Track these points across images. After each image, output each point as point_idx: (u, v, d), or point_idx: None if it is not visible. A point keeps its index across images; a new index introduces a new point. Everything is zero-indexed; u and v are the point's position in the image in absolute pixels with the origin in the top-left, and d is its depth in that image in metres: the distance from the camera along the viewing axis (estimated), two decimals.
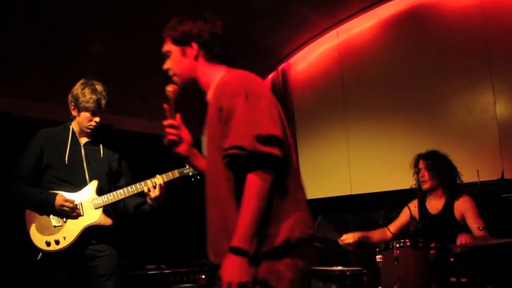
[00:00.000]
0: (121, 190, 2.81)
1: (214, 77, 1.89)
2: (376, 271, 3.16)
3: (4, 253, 3.63)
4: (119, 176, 2.96)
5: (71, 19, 3.74)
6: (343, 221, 4.70)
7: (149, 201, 2.77)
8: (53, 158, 2.79)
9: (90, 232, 2.74)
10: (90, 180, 2.81)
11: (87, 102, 2.79)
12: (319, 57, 5.12)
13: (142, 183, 2.78)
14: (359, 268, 3.40)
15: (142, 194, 2.82)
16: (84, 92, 2.80)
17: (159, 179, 2.74)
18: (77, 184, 2.78)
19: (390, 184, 4.32)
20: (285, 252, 1.67)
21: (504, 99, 3.91)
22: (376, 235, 3.62)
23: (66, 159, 2.79)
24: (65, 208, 2.69)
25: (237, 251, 1.59)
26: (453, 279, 2.96)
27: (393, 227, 3.64)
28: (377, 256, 3.14)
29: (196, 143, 1.98)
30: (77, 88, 2.84)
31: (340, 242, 3.57)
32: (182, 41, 1.91)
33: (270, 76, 5.37)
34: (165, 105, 1.89)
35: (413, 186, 3.62)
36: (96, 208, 2.77)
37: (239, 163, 1.65)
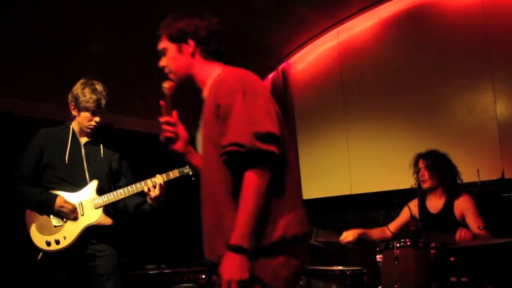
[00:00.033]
0: (121, 190, 2.81)
1: (211, 74, 1.88)
2: (376, 270, 3.16)
3: (4, 253, 3.64)
4: (119, 175, 2.96)
5: (71, 19, 3.74)
6: (343, 221, 4.69)
7: (149, 200, 2.77)
8: (53, 157, 2.79)
9: (91, 231, 2.74)
10: (90, 180, 2.81)
11: (87, 102, 2.79)
12: (319, 57, 5.12)
13: (142, 182, 2.78)
14: (359, 268, 3.40)
15: (142, 194, 2.82)
16: (84, 92, 2.80)
17: (159, 179, 2.74)
18: (77, 184, 2.78)
19: (390, 183, 4.32)
20: (280, 249, 1.67)
21: (504, 98, 3.91)
22: (376, 233, 3.62)
23: (66, 158, 2.79)
24: (63, 209, 2.68)
25: (236, 249, 1.59)
26: (453, 279, 2.96)
27: (393, 226, 3.65)
28: (377, 256, 3.14)
29: (191, 140, 1.97)
30: (77, 88, 2.83)
31: (340, 241, 3.56)
32: (178, 38, 1.90)
33: (270, 76, 5.37)
34: (161, 102, 1.88)
35: (413, 186, 3.62)
36: (96, 208, 2.77)
37: (238, 160, 1.65)
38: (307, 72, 5.21)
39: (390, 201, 4.31)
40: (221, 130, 1.70)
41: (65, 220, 2.72)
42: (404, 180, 3.73)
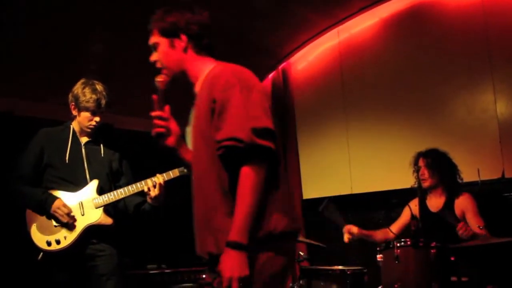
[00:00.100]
0: (121, 189, 2.81)
1: (203, 69, 1.87)
2: (377, 270, 3.16)
3: (4, 253, 3.63)
4: (120, 175, 2.96)
5: (71, 19, 3.74)
6: (339, 224, 4.69)
7: (149, 200, 2.77)
8: (53, 157, 2.79)
9: (91, 231, 2.73)
10: (91, 180, 2.81)
11: (87, 102, 2.79)
12: (319, 56, 5.12)
13: (143, 182, 2.78)
14: (359, 268, 3.40)
15: (142, 194, 2.81)
16: (85, 92, 2.80)
17: (159, 178, 2.73)
18: (78, 184, 2.78)
19: (391, 183, 4.33)
20: (268, 244, 1.66)
21: (505, 98, 3.92)
22: (379, 235, 3.60)
23: (67, 158, 2.79)
24: (58, 211, 2.66)
25: (235, 246, 1.58)
26: (453, 279, 2.96)
27: (395, 227, 3.64)
28: (378, 256, 3.14)
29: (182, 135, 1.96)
30: (78, 88, 2.83)
31: (344, 229, 3.53)
32: (170, 33, 1.88)
33: (270, 76, 5.37)
34: (153, 96, 1.87)
35: (413, 186, 3.62)
36: (96, 208, 2.77)
37: (234, 155, 1.64)
38: (307, 71, 5.21)
39: (390, 201, 4.33)
40: (215, 125, 1.69)
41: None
42: (404, 179, 3.73)
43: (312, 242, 3.81)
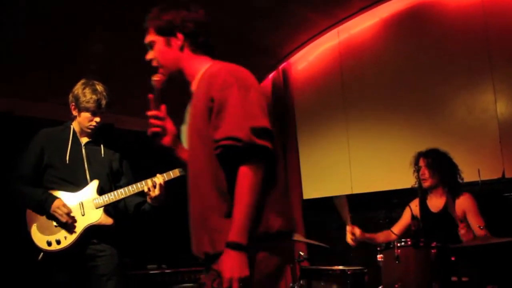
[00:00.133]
0: (121, 190, 2.81)
1: (200, 68, 1.87)
2: (377, 270, 3.15)
3: (5, 253, 3.63)
4: (120, 175, 2.96)
5: (71, 19, 3.74)
6: (344, 221, 4.69)
7: (149, 200, 2.77)
8: (53, 158, 2.79)
9: (91, 231, 2.73)
10: (91, 180, 2.81)
11: (87, 102, 2.79)
12: (319, 56, 5.12)
13: (143, 182, 2.77)
14: (360, 268, 3.39)
15: (142, 194, 2.81)
16: (85, 92, 2.80)
17: (159, 179, 2.73)
18: (78, 184, 2.78)
19: (391, 183, 4.32)
20: (263, 244, 1.65)
21: (505, 98, 3.91)
22: (381, 237, 3.58)
23: (67, 158, 2.79)
24: (57, 211, 2.66)
25: (235, 246, 1.58)
26: (454, 279, 2.96)
27: (397, 228, 3.63)
28: (378, 256, 3.14)
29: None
30: (78, 88, 2.83)
31: (347, 229, 3.53)
32: (166, 31, 1.87)
33: (270, 76, 5.37)
34: (149, 96, 1.86)
35: (414, 186, 3.62)
36: (97, 208, 2.77)
37: (232, 155, 1.63)
38: (307, 71, 5.21)
39: (390, 201, 4.32)
40: (213, 124, 1.68)
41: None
42: (405, 179, 3.73)
43: (315, 242, 3.81)
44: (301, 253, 3.64)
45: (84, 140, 2.90)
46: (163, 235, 4.64)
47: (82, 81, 2.87)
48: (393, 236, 3.55)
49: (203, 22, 1.89)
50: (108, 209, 2.82)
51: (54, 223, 2.71)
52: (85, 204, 2.76)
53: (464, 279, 2.97)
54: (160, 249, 4.58)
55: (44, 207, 2.68)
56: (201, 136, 1.74)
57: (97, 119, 2.84)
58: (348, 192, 4.73)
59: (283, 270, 1.76)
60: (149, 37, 1.92)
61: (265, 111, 1.70)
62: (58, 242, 2.67)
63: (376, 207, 4.48)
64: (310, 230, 4.80)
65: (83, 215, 2.74)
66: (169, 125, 1.91)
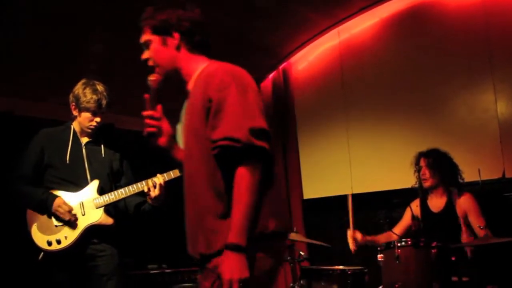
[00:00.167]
0: (122, 190, 2.81)
1: (196, 67, 1.85)
2: (378, 270, 3.15)
3: (5, 253, 3.63)
4: (120, 175, 2.96)
5: (71, 19, 3.74)
6: (344, 221, 4.69)
7: (149, 200, 2.76)
8: (54, 158, 2.79)
9: (92, 231, 2.73)
10: (92, 180, 2.81)
11: (88, 102, 2.78)
12: (319, 56, 5.11)
13: (143, 182, 2.77)
14: (360, 268, 3.39)
15: (142, 194, 2.81)
16: (85, 92, 2.80)
17: (159, 179, 2.72)
18: (79, 184, 2.78)
19: (391, 183, 4.32)
20: (258, 244, 1.64)
21: (505, 98, 3.91)
22: (382, 239, 3.57)
23: (68, 158, 2.79)
24: (59, 209, 2.67)
25: (234, 248, 1.57)
26: (454, 278, 2.96)
27: (398, 229, 3.63)
28: (379, 255, 3.14)
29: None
30: (78, 88, 2.83)
31: (348, 233, 3.53)
32: (162, 31, 1.85)
33: (271, 76, 5.37)
34: (145, 96, 1.85)
35: (414, 185, 3.62)
36: (97, 208, 2.77)
37: (230, 155, 1.62)
38: (307, 71, 5.20)
39: (391, 201, 4.32)
40: (211, 124, 1.67)
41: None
42: (405, 179, 3.73)
43: (316, 242, 3.81)
44: (301, 253, 3.64)
45: (84, 140, 2.90)
46: (163, 235, 4.64)
47: (83, 81, 2.86)
48: (394, 237, 3.54)
49: (199, 21, 1.88)
50: (109, 209, 2.82)
51: (55, 223, 2.71)
52: (86, 204, 2.75)
53: (464, 279, 2.97)
54: (161, 249, 4.58)
55: (45, 206, 2.68)
56: (197, 136, 1.74)
57: (98, 119, 2.84)
58: (349, 192, 4.71)
59: (278, 270, 1.76)
60: (145, 37, 1.90)
61: (263, 112, 1.70)
62: (59, 242, 2.67)
63: (377, 207, 4.48)
64: (310, 230, 4.79)
65: (83, 215, 2.74)
66: (165, 125, 1.90)
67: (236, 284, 1.55)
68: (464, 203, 3.34)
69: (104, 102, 2.82)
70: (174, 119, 1.97)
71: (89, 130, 2.86)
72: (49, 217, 2.72)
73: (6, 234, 3.56)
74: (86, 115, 2.82)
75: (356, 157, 4.73)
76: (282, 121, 5.20)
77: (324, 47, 5.07)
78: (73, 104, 2.85)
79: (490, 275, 3.19)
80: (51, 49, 3.90)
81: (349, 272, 3.32)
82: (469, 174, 3.48)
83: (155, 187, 2.68)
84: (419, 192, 3.58)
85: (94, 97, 2.79)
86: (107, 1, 3.72)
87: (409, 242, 2.98)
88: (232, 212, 1.61)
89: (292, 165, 5.12)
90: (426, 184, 3.47)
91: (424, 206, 3.54)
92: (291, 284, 3.56)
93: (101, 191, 2.81)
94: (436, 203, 3.48)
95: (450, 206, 3.38)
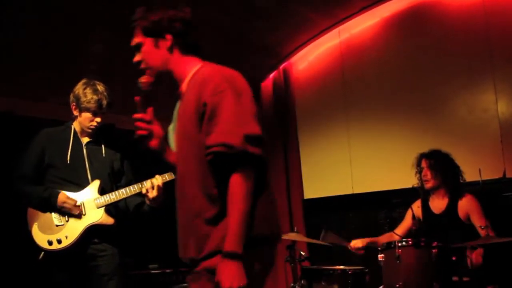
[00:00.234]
0: (123, 190, 2.81)
1: (189, 69, 1.83)
2: (378, 270, 3.15)
3: (5, 253, 3.63)
4: (121, 175, 2.96)
5: (71, 19, 3.74)
6: (345, 221, 4.69)
7: (147, 201, 2.75)
8: (55, 158, 2.79)
9: (92, 231, 2.73)
10: (92, 180, 2.81)
11: (88, 102, 2.78)
12: (320, 56, 5.11)
13: (144, 183, 2.76)
14: (361, 267, 3.39)
15: (142, 194, 2.80)
16: (86, 93, 2.79)
17: (158, 180, 2.69)
18: (80, 184, 2.78)
19: (392, 183, 4.32)
20: (250, 249, 1.62)
21: (506, 98, 3.91)
22: (384, 240, 3.57)
23: (68, 158, 2.79)
24: (66, 205, 2.69)
25: (231, 256, 1.57)
26: (455, 278, 2.96)
27: (400, 230, 3.63)
28: (379, 255, 3.14)
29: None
30: (79, 88, 2.83)
31: (350, 247, 3.55)
32: (154, 32, 1.82)
33: (271, 76, 5.36)
34: (136, 98, 1.83)
35: (415, 185, 3.61)
36: (98, 208, 2.77)
37: (224, 161, 1.61)
38: (308, 71, 5.20)
39: (391, 201, 4.32)
40: (206, 129, 1.66)
41: (67, 219, 2.72)
42: (406, 179, 3.72)
43: (317, 242, 3.81)
44: (302, 252, 3.64)
45: (85, 140, 2.89)
46: (164, 235, 4.63)
47: (83, 81, 2.86)
48: (396, 238, 3.54)
49: (190, 21, 1.85)
50: (109, 209, 2.82)
51: (56, 222, 2.71)
52: (86, 204, 2.75)
53: (465, 279, 2.97)
54: (161, 249, 4.57)
55: (49, 203, 2.69)
56: (190, 139, 1.72)
57: (98, 119, 2.83)
58: (349, 192, 4.73)
59: (268, 274, 1.74)
60: (137, 39, 1.87)
61: (257, 117, 1.68)
62: (59, 241, 2.67)
63: (377, 207, 4.48)
64: (310, 230, 4.79)
65: (84, 215, 2.74)
66: (156, 128, 1.89)
67: None
68: (466, 205, 3.34)
69: (104, 102, 2.82)
70: (167, 120, 1.96)
71: (90, 130, 2.86)
72: (53, 213, 2.71)
73: (6, 234, 3.55)
74: (86, 115, 2.82)
75: (357, 157, 4.73)
76: (283, 121, 5.20)
77: (325, 47, 5.06)
78: (74, 104, 2.85)
79: (491, 275, 3.19)
80: (51, 49, 3.90)
81: (349, 272, 3.32)
82: (469, 174, 3.48)
83: (153, 188, 2.67)
84: (420, 193, 3.57)
85: (95, 97, 2.78)
86: (107, 1, 3.72)
87: (410, 242, 2.98)
88: (228, 220, 1.60)
89: (293, 165, 5.12)
90: (428, 185, 3.46)
91: (425, 207, 3.53)
92: (292, 284, 3.55)
93: (102, 191, 2.81)
94: (438, 204, 3.47)
95: (451, 208, 3.38)
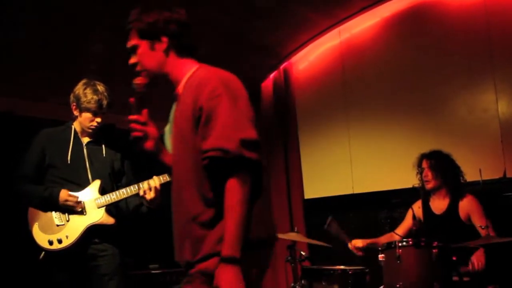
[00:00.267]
0: (123, 190, 2.80)
1: (185, 71, 1.82)
2: (379, 270, 3.15)
3: (5, 253, 3.63)
4: (122, 175, 2.96)
5: (71, 19, 3.73)
6: (346, 221, 4.69)
7: (144, 203, 2.75)
8: (55, 158, 2.79)
9: (93, 231, 2.73)
10: (93, 180, 2.81)
11: (88, 102, 2.78)
12: (320, 56, 5.11)
13: (141, 184, 2.75)
14: (361, 267, 3.39)
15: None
16: (86, 93, 2.79)
17: (155, 181, 2.68)
18: (80, 184, 2.78)
19: (392, 183, 4.31)
20: (246, 252, 1.60)
21: (506, 98, 3.91)
22: (384, 240, 3.57)
23: (69, 158, 2.80)
24: (68, 203, 2.69)
25: (230, 260, 1.56)
26: (455, 278, 2.95)
27: (400, 230, 3.63)
28: (380, 255, 3.13)
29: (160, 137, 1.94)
30: (79, 88, 2.83)
31: (349, 246, 3.55)
32: (150, 35, 1.81)
33: (271, 76, 5.36)
34: (131, 100, 1.82)
35: (415, 185, 3.61)
36: (99, 207, 2.76)
37: (220, 166, 1.61)
38: (308, 71, 5.19)
39: (392, 201, 4.31)
40: (202, 133, 1.65)
41: (67, 219, 2.72)
42: (406, 179, 3.72)
43: (317, 242, 3.80)
44: (302, 252, 3.64)
45: (85, 140, 2.89)
46: (164, 235, 4.62)
47: (83, 81, 2.86)
48: (397, 238, 3.54)
49: (186, 22, 1.84)
50: (110, 208, 2.82)
51: (56, 222, 2.71)
52: (87, 204, 2.75)
53: (465, 279, 2.97)
54: (162, 249, 4.56)
55: (51, 201, 2.69)
56: (186, 143, 1.72)
57: (98, 119, 2.83)
58: (349, 192, 4.72)
59: (264, 277, 1.74)
60: (132, 41, 1.85)
61: (254, 122, 1.68)
62: (60, 241, 2.67)
63: (378, 207, 4.47)
64: (311, 230, 4.79)
65: (84, 215, 2.74)
66: (151, 129, 1.88)
67: None
68: (467, 205, 3.34)
69: (104, 102, 2.82)
70: (163, 120, 1.96)
71: (90, 130, 2.86)
72: (55, 211, 2.71)
73: (7, 233, 3.55)
74: (86, 115, 2.81)
75: (357, 157, 4.73)
76: (283, 121, 5.20)
77: (325, 47, 5.06)
78: (74, 104, 2.84)
79: (491, 275, 3.18)
80: (51, 49, 3.90)
81: (350, 272, 3.32)
82: (470, 174, 3.48)
83: (150, 190, 2.66)
84: (421, 194, 3.57)
85: (95, 97, 2.78)
86: (107, 1, 3.71)
87: (410, 242, 2.98)
88: (226, 225, 1.59)
89: (293, 165, 5.12)
90: (429, 185, 3.46)
91: (426, 208, 3.52)
92: (292, 284, 3.55)
93: (103, 191, 2.81)
94: (439, 205, 3.47)
95: (452, 208, 3.38)
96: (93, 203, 2.76)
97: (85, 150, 2.86)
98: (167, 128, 1.94)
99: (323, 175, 4.97)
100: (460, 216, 3.34)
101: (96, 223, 2.74)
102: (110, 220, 2.79)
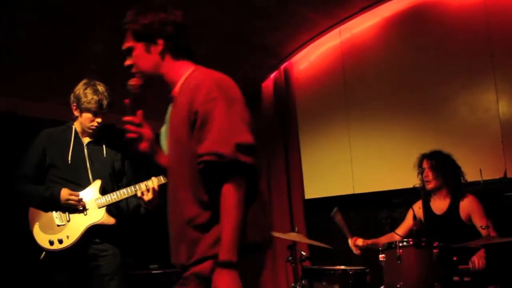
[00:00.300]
0: (124, 190, 2.80)
1: (181, 73, 1.81)
2: (379, 270, 3.15)
3: (6, 253, 3.63)
4: (122, 175, 2.96)
5: (71, 19, 3.73)
6: (346, 221, 4.67)
7: (142, 204, 2.75)
8: (56, 158, 2.79)
9: (94, 231, 2.73)
10: (94, 180, 2.81)
11: (88, 103, 2.78)
12: (321, 56, 5.10)
13: (138, 185, 2.74)
14: (362, 267, 3.39)
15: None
16: (86, 93, 2.79)
17: (153, 182, 2.68)
18: (81, 184, 2.78)
19: (393, 183, 4.31)
20: (242, 256, 1.60)
21: (507, 97, 3.91)
22: (385, 240, 3.56)
23: (69, 158, 2.80)
24: (70, 201, 2.68)
25: (227, 265, 1.56)
26: (456, 278, 2.95)
27: (401, 230, 3.63)
28: (380, 255, 3.13)
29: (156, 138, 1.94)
30: (79, 89, 2.83)
31: (349, 242, 3.55)
32: (145, 37, 1.79)
33: (272, 76, 5.36)
34: (125, 101, 1.82)
35: (416, 185, 3.60)
36: (99, 208, 2.76)
37: (216, 170, 1.60)
38: (309, 71, 5.19)
39: (392, 201, 4.31)
40: (197, 137, 1.64)
41: (68, 219, 2.72)
42: (406, 179, 3.72)
43: (317, 243, 3.80)
44: (302, 252, 3.63)
45: (86, 140, 2.89)
46: (164, 235, 4.62)
47: (84, 81, 2.86)
48: (397, 238, 3.53)
49: (182, 24, 1.83)
50: (111, 208, 2.81)
51: (57, 222, 2.71)
52: (88, 204, 2.75)
53: (466, 279, 2.97)
54: (162, 249, 4.56)
55: (52, 201, 2.68)
56: (182, 146, 1.71)
57: (99, 119, 2.83)
58: (350, 192, 4.72)
59: (258, 281, 1.74)
60: (128, 43, 1.84)
61: (249, 125, 1.67)
62: (60, 241, 2.67)
63: (378, 207, 4.48)
64: (311, 230, 4.79)
65: (85, 215, 2.74)
66: (146, 130, 1.87)
67: None
68: (468, 205, 3.34)
69: (105, 102, 2.82)
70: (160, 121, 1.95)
71: (90, 131, 2.86)
72: (57, 211, 2.71)
73: (7, 233, 3.55)
74: (87, 115, 2.81)
75: (358, 157, 4.73)
76: (284, 121, 5.20)
77: (326, 47, 5.06)
78: (74, 104, 2.84)
79: (492, 275, 3.18)
80: (51, 49, 3.90)
81: (350, 272, 3.31)
82: (470, 174, 3.48)
83: (148, 191, 2.65)
84: (421, 194, 3.56)
85: (95, 97, 2.78)
86: (107, 1, 3.71)
87: (411, 242, 2.98)
88: (222, 229, 1.59)
89: (294, 165, 5.12)
90: (429, 186, 3.46)
91: (426, 208, 3.51)
92: (293, 284, 3.55)
93: (103, 191, 2.81)
94: (439, 205, 3.47)
95: (453, 208, 3.38)
96: (93, 203, 2.76)
97: (85, 150, 2.86)
98: (163, 129, 1.93)
99: (324, 175, 4.97)
100: (461, 216, 3.34)
101: (97, 223, 2.74)
102: (111, 220, 2.79)
